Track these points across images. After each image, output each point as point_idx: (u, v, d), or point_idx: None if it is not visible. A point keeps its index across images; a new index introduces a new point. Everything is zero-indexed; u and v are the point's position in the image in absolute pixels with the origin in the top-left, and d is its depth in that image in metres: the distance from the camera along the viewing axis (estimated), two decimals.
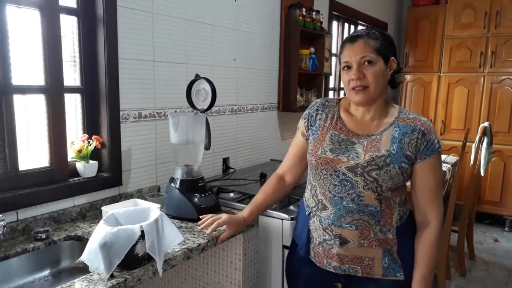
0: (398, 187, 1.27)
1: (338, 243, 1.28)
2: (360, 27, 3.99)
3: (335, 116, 1.36)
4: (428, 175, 1.27)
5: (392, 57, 1.29)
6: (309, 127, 1.40)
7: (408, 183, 1.32)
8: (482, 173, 3.05)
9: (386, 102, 1.34)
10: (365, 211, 1.25)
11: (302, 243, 1.39)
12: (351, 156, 1.26)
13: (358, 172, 1.24)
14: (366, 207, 1.25)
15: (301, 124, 1.44)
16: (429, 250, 1.28)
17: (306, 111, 1.43)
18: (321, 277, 1.35)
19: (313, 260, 1.36)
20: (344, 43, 1.30)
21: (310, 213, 1.36)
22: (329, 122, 1.35)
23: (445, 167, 3.02)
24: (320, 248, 1.33)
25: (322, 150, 1.31)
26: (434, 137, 1.26)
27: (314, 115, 1.40)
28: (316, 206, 1.33)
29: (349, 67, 1.27)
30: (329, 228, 1.29)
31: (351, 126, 1.33)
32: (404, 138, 1.25)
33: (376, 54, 1.25)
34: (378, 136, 1.28)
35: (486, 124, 2.97)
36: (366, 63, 1.24)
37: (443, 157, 3.39)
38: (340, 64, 1.32)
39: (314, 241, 1.35)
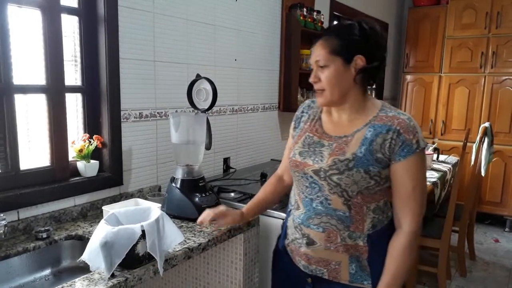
0: (375, 193, 1.22)
1: (305, 242, 1.27)
2: None
3: (316, 118, 1.35)
4: (404, 178, 1.19)
5: (359, 56, 1.20)
6: (295, 129, 1.41)
7: None
8: (482, 174, 3.05)
9: (366, 99, 1.28)
10: (333, 215, 1.22)
11: (282, 237, 1.41)
12: (316, 159, 1.24)
13: (322, 176, 1.22)
14: (334, 211, 1.22)
15: (291, 126, 1.45)
16: (397, 258, 1.21)
17: (296, 113, 1.45)
18: (295, 270, 1.35)
19: (290, 255, 1.37)
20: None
21: (290, 210, 1.38)
22: (308, 124, 1.35)
23: (445, 167, 3.02)
24: (292, 246, 1.34)
25: (293, 153, 1.32)
26: (411, 137, 1.18)
27: (300, 117, 1.41)
28: (293, 205, 1.35)
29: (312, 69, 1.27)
30: (299, 227, 1.29)
31: (327, 128, 1.31)
32: (377, 139, 1.19)
33: (332, 55, 1.20)
34: (349, 138, 1.23)
35: (486, 124, 2.96)
36: (321, 66, 1.23)
37: (443, 157, 3.39)
38: None
39: (288, 237, 1.36)
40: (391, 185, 1.24)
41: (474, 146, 2.98)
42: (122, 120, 1.75)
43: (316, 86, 1.26)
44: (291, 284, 1.39)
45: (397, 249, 1.21)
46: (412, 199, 1.21)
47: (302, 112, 1.41)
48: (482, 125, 2.96)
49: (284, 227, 1.41)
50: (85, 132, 1.71)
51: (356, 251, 1.24)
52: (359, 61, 1.21)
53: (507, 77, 3.97)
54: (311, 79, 1.26)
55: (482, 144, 2.98)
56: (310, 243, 1.27)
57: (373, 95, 4.47)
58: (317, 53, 1.23)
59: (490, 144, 3.00)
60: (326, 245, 1.25)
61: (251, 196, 1.87)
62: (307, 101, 1.43)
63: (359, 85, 1.25)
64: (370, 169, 1.18)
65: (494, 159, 3.92)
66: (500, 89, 4.02)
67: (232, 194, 1.96)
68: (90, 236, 1.19)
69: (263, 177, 2.17)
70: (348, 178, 1.18)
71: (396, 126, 1.19)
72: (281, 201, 1.77)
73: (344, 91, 1.24)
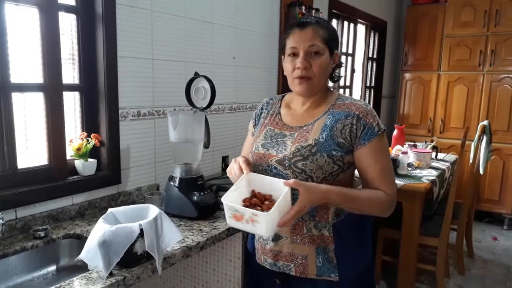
0: (340, 180, 1.23)
1: (271, 238, 1.27)
2: (359, 26, 3.99)
3: (275, 112, 1.37)
4: (371, 162, 1.21)
5: (336, 51, 1.28)
6: (255, 126, 1.42)
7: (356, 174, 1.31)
8: (481, 172, 3.05)
9: (326, 91, 1.32)
10: None
11: (249, 238, 1.41)
12: (280, 149, 1.25)
13: (286, 165, 1.22)
14: None
15: (250, 124, 1.46)
16: (364, 193, 1.20)
17: (254, 112, 1.45)
18: (264, 272, 1.35)
19: (256, 256, 1.37)
20: (292, 27, 1.26)
21: None
22: (268, 119, 1.36)
23: (444, 165, 3.03)
24: (258, 244, 1.34)
25: (256, 146, 1.32)
26: (371, 120, 1.21)
27: (259, 114, 1.41)
28: None
29: (294, 54, 1.24)
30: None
31: (287, 120, 1.33)
32: (336, 125, 1.22)
33: (324, 44, 1.23)
34: (310, 126, 1.26)
35: (485, 122, 2.97)
36: (313, 53, 1.22)
37: (442, 155, 3.40)
38: (284, 49, 1.29)
39: (256, 236, 1.36)
40: (356, 171, 1.27)
41: (473, 144, 2.98)
42: (120, 118, 1.75)
43: (304, 73, 1.23)
44: (261, 287, 1.39)
45: (373, 192, 1.21)
46: (381, 180, 1.22)
47: (261, 109, 1.42)
48: (480, 123, 2.97)
49: None
50: (83, 130, 1.70)
51: (322, 242, 1.24)
52: (336, 57, 1.28)
53: (505, 75, 3.98)
54: (301, 65, 1.22)
55: (481, 142, 2.98)
56: (276, 238, 1.27)
57: (372, 94, 4.48)
58: (311, 38, 1.22)
59: (489, 142, 3.01)
60: (292, 238, 1.25)
61: None
62: (265, 99, 1.45)
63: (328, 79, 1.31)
64: (333, 154, 1.20)
65: (493, 157, 3.92)
66: (498, 87, 4.02)
67: None
68: (88, 235, 1.18)
69: None
70: (313, 163, 1.19)
71: (354, 111, 1.22)
72: None
73: (324, 83, 1.28)
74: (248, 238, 1.44)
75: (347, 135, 1.21)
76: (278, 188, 1.13)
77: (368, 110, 1.23)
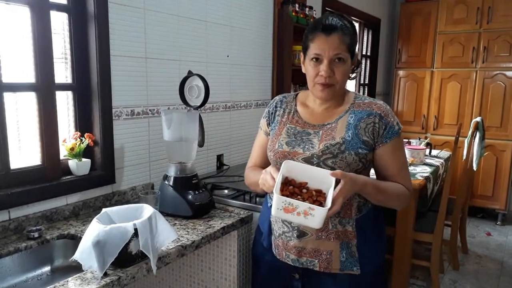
0: None
1: (295, 235, 1.28)
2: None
3: (292, 111, 1.37)
4: (392, 159, 1.26)
5: (356, 54, 1.30)
6: (269, 124, 1.41)
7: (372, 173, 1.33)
8: (474, 168, 3.07)
9: (344, 90, 1.34)
10: None
11: (265, 234, 1.40)
12: (307, 147, 1.26)
13: (314, 162, 1.23)
14: None
15: (263, 123, 1.45)
16: (391, 185, 1.25)
17: (266, 109, 1.45)
18: (282, 266, 1.35)
19: (274, 252, 1.36)
20: (316, 31, 1.23)
21: (271, 205, 1.36)
22: (286, 117, 1.37)
23: (438, 162, 3.04)
24: (279, 240, 1.34)
25: (279, 144, 1.32)
26: (392, 119, 1.26)
27: (274, 112, 1.41)
28: None
29: (317, 59, 1.24)
30: (287, 221, 1.29)
31: (307, 118, 1.34)
32: (360, 124, 1.25)
33: (347, 51, 1.23)
34: (333, 124, 1.28)
35: (478, 119, 2.98)
36: (337, 60, 1.22)
37: (436, 152, 3.42)
38: (306, 51, 1.28)
39: (275, 233, 1.36)
40: (375, 168, 1.30)
41: (466, 141, 3.00)
42: (113, 117, 1.74)
43: (327, 81, 1.24)
44: (277, 283, 1.39)
45: (397, 185, 1.27)
46: (401, 175, 1.28)
47: (275, 107, 1.41)
48: (473, 120, 2.98)
49: (265, 224, 1.40)
50: (76, 130, 1.70)
51: (345, 237, 1.26)
52: (356, 59, 1.30)
53: (498, 71, 4.00)
54: (325, 73, 1.22)
55: (474, 139, 3.00)
56: (301, 235, 1.27)
57: (366, 91, 4.49)
58: (336, 46, 1.21)
59: (482, 138, 3.03)
60: (318, 235, 1.26)
61: (244, 193, 1.87)
62: (278, 97, 1.44)
63: None
64: (359, 152, 1.23)
65: (486, 153, 3.94)
66: (491, 83, 4.05)
67: (226, 191, 1.96)
68: (82, 235, 1.18)
69: None
70: (342, 161, 1.22)
71: (376, 110, 1.26)
72: None
73: (344, 86, 1.31)
74: (263, 234, 1.41)
75: (370, 134, 1.24)
76: (319, 177, 1.16)
77: (388, 109, 1.27)
